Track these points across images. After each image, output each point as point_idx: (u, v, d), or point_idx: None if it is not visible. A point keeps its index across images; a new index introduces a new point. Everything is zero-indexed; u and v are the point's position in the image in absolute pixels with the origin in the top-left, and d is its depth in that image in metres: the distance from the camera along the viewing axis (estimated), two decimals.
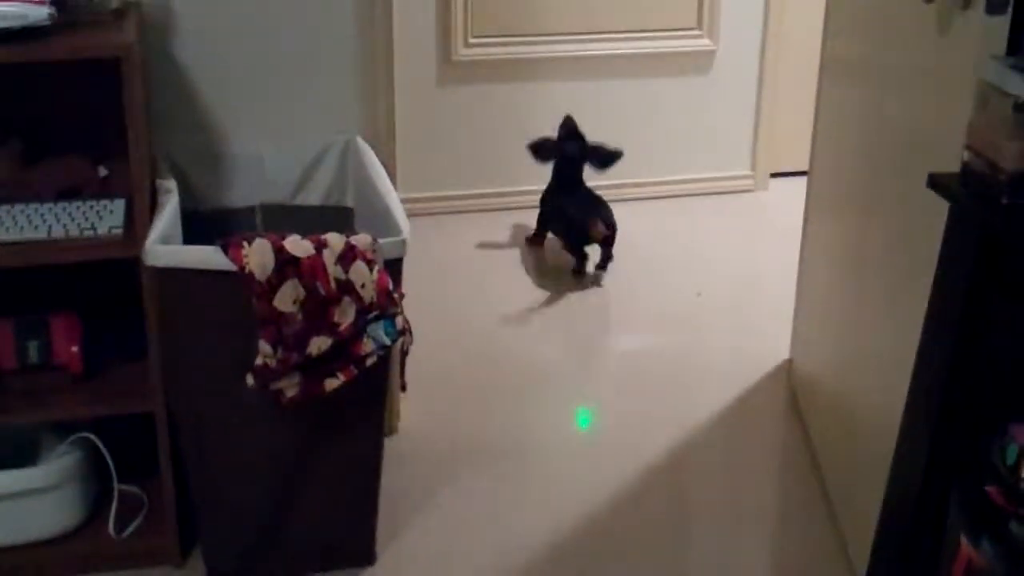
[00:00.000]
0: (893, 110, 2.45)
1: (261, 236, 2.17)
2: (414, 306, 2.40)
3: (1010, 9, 1.89)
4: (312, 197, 2.76)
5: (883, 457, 2.02)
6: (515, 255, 4.17)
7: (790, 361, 3.37)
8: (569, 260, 3.99)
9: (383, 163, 2.66)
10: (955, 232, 1.80)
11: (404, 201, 2.46)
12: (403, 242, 2.27)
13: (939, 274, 1.83)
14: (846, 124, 2.87)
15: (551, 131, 4.18)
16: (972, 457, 1.74)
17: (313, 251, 2.16)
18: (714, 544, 2.69)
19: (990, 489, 1.65)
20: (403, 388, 2.52)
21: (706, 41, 4.56)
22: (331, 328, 2.17)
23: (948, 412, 1.81)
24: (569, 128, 4.12)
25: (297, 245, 2.16)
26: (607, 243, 3.94)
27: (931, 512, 1.87)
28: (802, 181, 3.32)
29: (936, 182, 1.82)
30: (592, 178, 4.17)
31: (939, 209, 1.83)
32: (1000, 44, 1.88)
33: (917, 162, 2.00)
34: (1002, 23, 1.88)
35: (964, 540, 1.67)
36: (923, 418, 1.87)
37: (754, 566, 2.62)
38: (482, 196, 4.51)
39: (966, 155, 1.79)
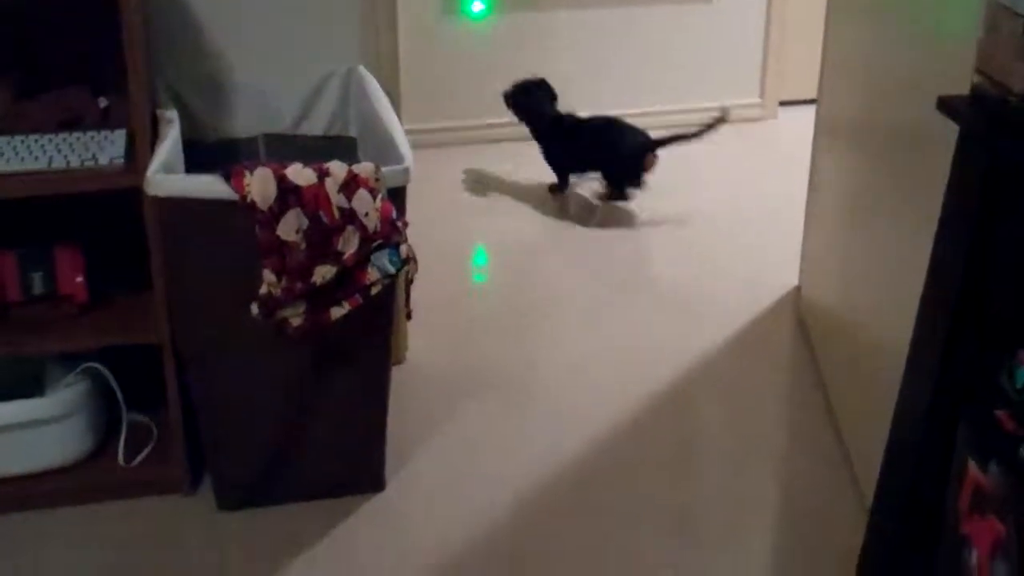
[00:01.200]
0: (901, 34, 2.41)
1: (263, 165, 2.15)
2: (420, 237, 2.39)
3: None
4: (315, 127, 2.73)
5: (890, 383, 2.02)
6: (520, 185, 4.15)
7: (798, 288, 3.36)
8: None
9: (386, 92, 2.63)
10: (964, 155, 1.77)
11: (409, 132, 2.43)
12: (406, 170, 2.25)
13: (948, 197, 1.81)
14: (854, 51, 2.84)
15: (551, 58, 4.13)
16: (981, 381, 1.73)
17: (315, 180, 2.14)
18: (722, 469, 2.70)
19: (999, 413, 1.64)
20: (408, 316, 2.51)
21: None
22: (335, 257, 2.15)
23: (957, 335, 1.80)
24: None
25: (299, 174, 2.14)
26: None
27: (939, 436, 1.87)
28: (812, 109, 3.29)
29: (945, 105, 1.79)
30: (593, 108, 4.13)
31: (948, 134, 1.81)
32: None
33: (926, 86, 1.97)
34: None
35: (972, 464, 1.67)
36: (932, 341, 1.86)
37: (762, 491, 2.62)
38: (488, 127, 4.47)
39: (976, 78, 1.77)
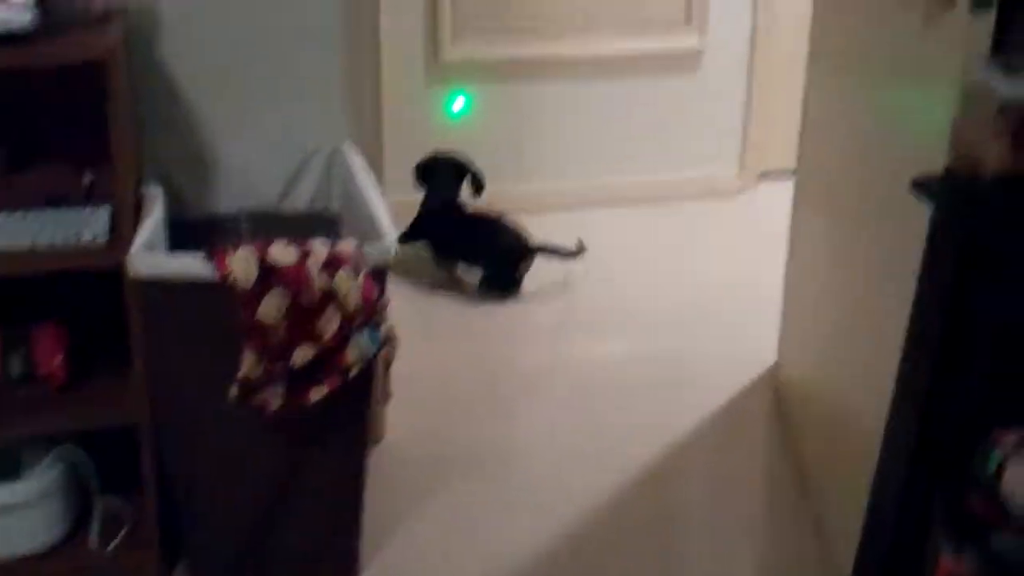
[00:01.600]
0: (879, 111, 2.44)
1: (245, 244, 2.15)
2: (403, 315, 2.39)
3: (995, 8, 1.88)
4: (298, 203, 2.74)
5: (868, 462, 2.01)
6: None
7: (777, 364, 3.36)
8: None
9: (370, 168, 2.65)
10: (938, 235, 1.78)
11: (394, 204, 2.44)
12: (388, 249, 2.25)
13: (922, 276, 1.82)
14: (833, 125, 2.87)
15: (535, 129, 4.16)
16: (955, 464, 1.73)
17: (297, 259, 2.14)
18: (699, 551, 2.68)
19: (973, 499, 1.64)
20: (387, 398, 2.51)
21: (694, 39, 4.55)
22: (315, 337, 2.15)
23: (931, 418, 1.80)
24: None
25: (281, 253, 2.14)
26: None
27: (914, 521, 1.86)
28: (791, 182, 3.31)
29: (919, 184, 1.81)
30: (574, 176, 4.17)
31: (924, 211, 1.82)
32: (985, 43, 1.88)
33: (902, 163, 1.99)
34: (987, 22, 1.88)
35: (945, 549, 1.66)
36: (906, 424, 1.86)
37: (740, 569, 2.61)
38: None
39: (950, 157, 1.78)
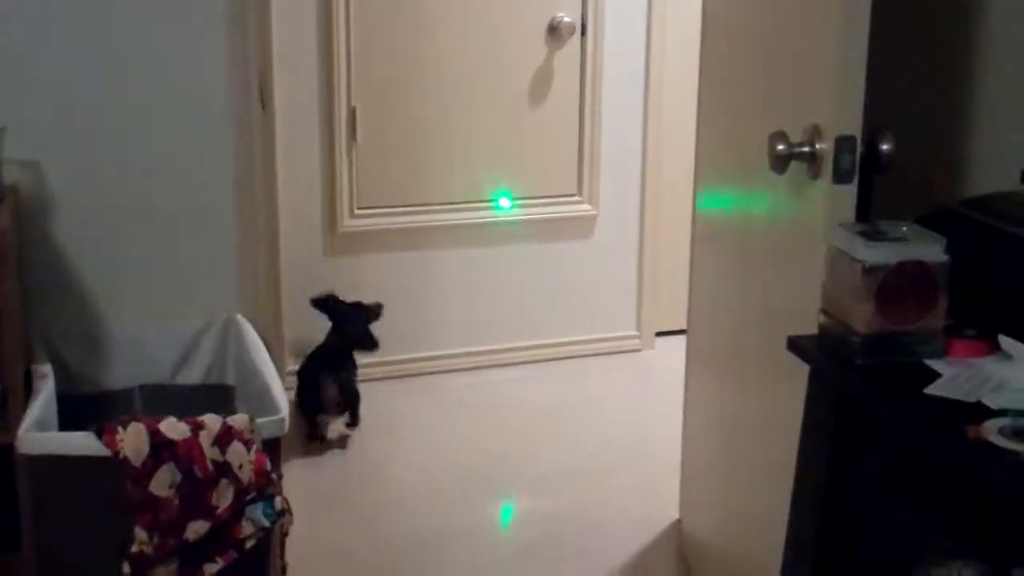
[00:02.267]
0: (757, 273, 2.53)
1: (136, 420, 2.15)
2: (300, 485, 2.38)
3: (856, 178, 2.00)
4: (193, 375, 2.74)
5: None
6: (403, 423, 4.16)
7: (679, 521, 3.38)
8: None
9: (264, 339, 2.67)
10: (815, 392, 1.86)
11: (291, 374, 2.45)
12: (282, 420, 2.26)
13: (803, 433, 1.89)
14: (717, 285, 2.96)
15: (437, 297, 4.24)
16: None
17: (189, 433, 2.14)
18: None
19: None
20: (283, 570, 2.48)
21: (587, 207, 4.68)
22: (209, 511, 2.14)
23: (822, 570, 1.84)
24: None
25: (173, 428, 2.14)
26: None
27: None
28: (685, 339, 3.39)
29: (795, 345, 1.88)
30: (480, 343, 4.23)
31: (804, 367, 1.90)
32: (848, 210, 1.99)
33: (781, 322, 2.07)
34: (849, 191, 1.99)
35: None
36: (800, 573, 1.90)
37: None
38: (372, 365, 4.51)
39: (822, 318, 1.87)
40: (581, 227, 4.72)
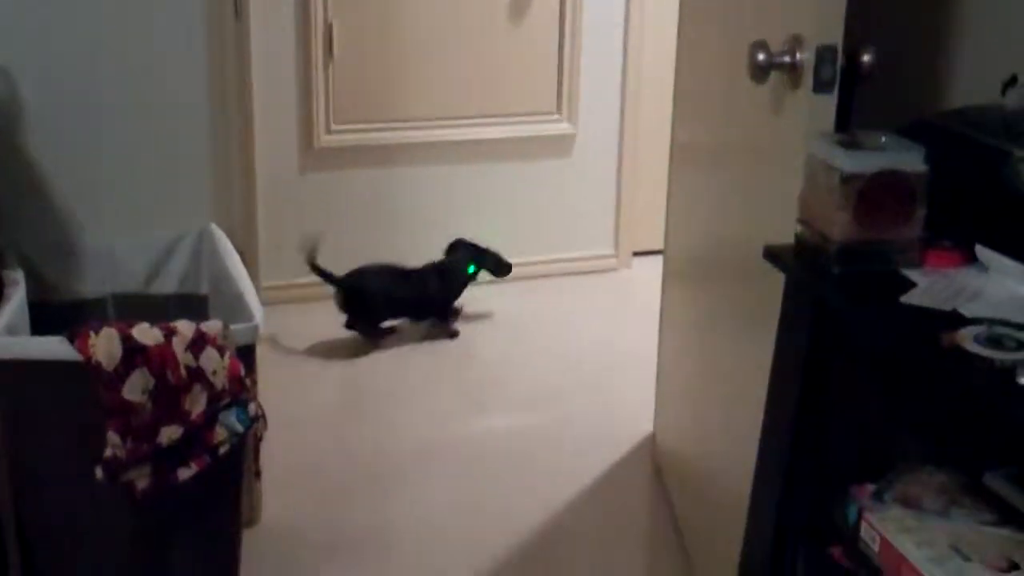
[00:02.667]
0: (735, 188, 2.53)
1: (108, 325, 2.13)
2: (275, 395, 2.38)
3: (836, 89, 1.98)
4: (166, 286, 2.73)
5: (740, 525, 2.06)
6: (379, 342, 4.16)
7: (653, 435, 3.41)
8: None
9: (238, 250, 2.65)
10: (791, 301, 1.86)
11: (267, 288, 2.45)
12: (255, 328, 2.25)
13: (778, 343, 1.89)
14: (695, 203, 2.95)
15: (414, 214, 4.24)
16: (817, 519, 1.79)
17: (162, 339, 2.13)
18: None
19: (833, 549, 1.69)
20: (257, 475, 2.49)
21: (566, 125, 4.66)
22: (182, 417, 2.13)
23: (793, 476, 1.86)
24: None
25: (145, 333, 2.13)
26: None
27: (784, 573, 1.91)
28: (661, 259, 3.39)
29: (771, 253, 1.88)
30: None
31: (779, 281, 1.89)
32: (828, 120, 1.97)
33: (757, 237, 2.06)
34: (829, 100, 1.97)
35: None
36: (770, 483, 1.91)
37: None
38: None
39: (798, 227, 1.86)
40: (560, 146, 4.70)
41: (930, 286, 1.71)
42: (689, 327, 3.03)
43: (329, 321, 4.22)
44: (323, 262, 4.12)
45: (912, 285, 1.71)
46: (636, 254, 4.93)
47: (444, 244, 4.31)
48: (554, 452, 3.41)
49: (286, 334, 4.03)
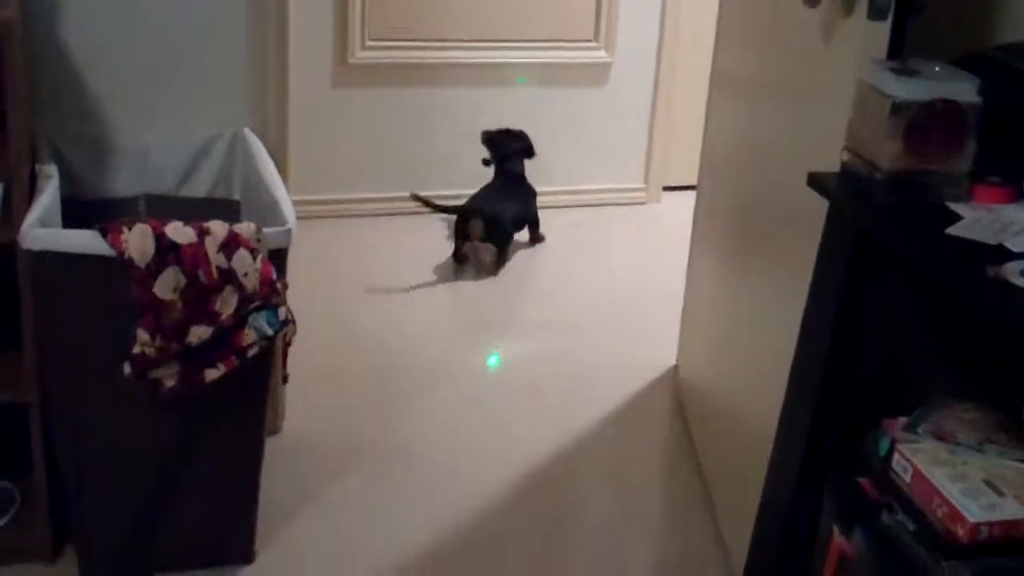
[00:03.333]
0: (778, 118, 2.49)
1: (141, 221, 2.12)
2: (304, 308, 2.37)
3: (891, 15, 1.94)
4: (198, 189, 2.71)
5: (762, 460, 2.05)
6: (407, 258, 4.15)
7: (676, 367, 3.41)
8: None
9: (272, 155, 2.63)
10: (833, 230, 1.83)
11: (297, 203, 2.42)
12: (288, 231, 2.24)
13: (817, 271, 1.87)
14: (733, 136, 2.92)
15: (446, 136, 4.21)
16: (846, 452, 1.78)
17: (195, 238, 2.12)
18: (597, 546, 2.70)
19: (862, 481, 1.68)
20: (285, 380, 2.49)
21: (602, 53, 4.60)
22: (212, 317, 2.13)
23: (824, 407, 1.84)
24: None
25: (179, 231, 2.12)
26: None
27: (807, 507, 1.91)
28: (693, 195, 3.36)
29: (815, 181, 1.85)
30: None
31: (818, 215, 1.87)
32: (880, 49, 1.93)
33: (798, 168, 2.03)
34: (883, 28, 1.93)
35: (836, 532, 1.70)
36: (800, 413, 1.90)
37: (636, 565, 2.63)
38: (376, 200, 4.48)
39: (845, 155, 1.83)
40: (595, 74, 4.65)
41: (977, 220, 1.68)
42: (719, 262, 3.00)
43: (358, 239, 4.23)
44: (351, 177, 4.12)
45: (958, 218, 1.68)
46: (666, 189, 4.89)
47: (471, 168, 4.28)
48: (576, 379, 3.41)
49: (314, 250, 4.02)
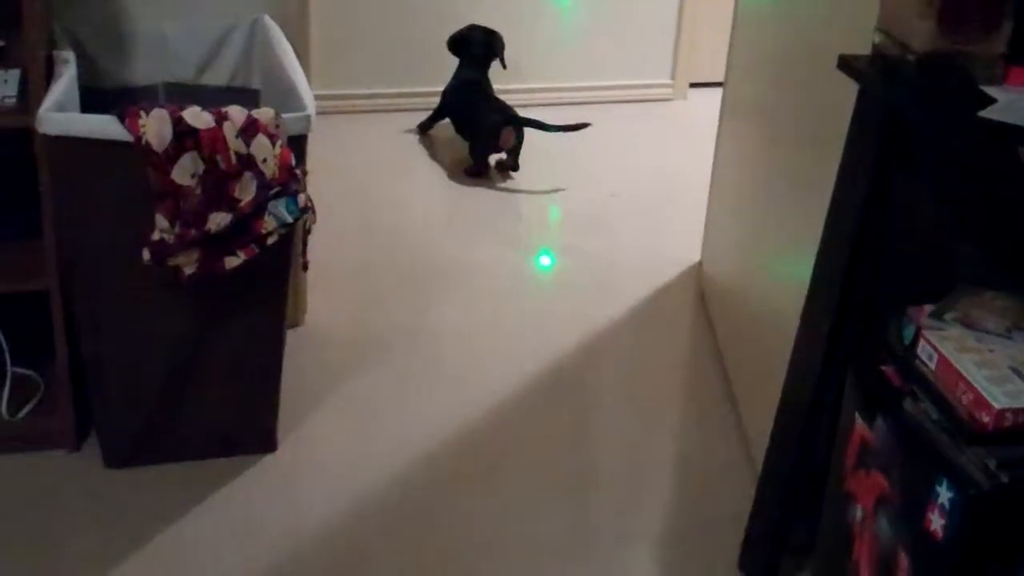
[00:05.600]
0: (809, 7, 2.42)
1: (159, 106, 2.09)
2: (325, 201, 2.35)
3: None
4: (217, 77, 2.68)
5: (784, 353, 2.03)
6: (428, 155, 4.12)
7: (700, 263, 3.38)
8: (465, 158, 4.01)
9: (292, 43, 2.58)
10: (863, 113, 1.79)
11: (318, 98, 2.38)
12: (308, 118, 2.21)
13: (845, 155, 1.83)
14: (762, 30, 2.86)
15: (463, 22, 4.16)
16: (870, 341, 1.75)
17: (213, 123, 2.09)
18: (619, 436, 2.70)
19: (886, 369, 1.66)
20: (305, 267, 2.47)
21: None
22: (231, 204, 2.11)
23: (849, 293, 1.82)
24: (477, 27, 4.13)
25: (197, 117, 2.09)
26: (514, 151, 3.94)
27: (829, 396, 1.89)
28: (720, 92, 3.30)
29: (846, 63, 1.80)
30: (511, 81, 4.13)
31: (846, 109, 1.82)
32: None
33: (828, 60, 1.98)
34: None
35: (858, 419, 1.68)
36: (825, 301, 1.88)
37: (658, 458, 2.63)
38: (396, 96, 4.43)
39: (877, 37, 1.78)
40: None
41: (1011, 103, 1.63)
42: (744, 159, 2.96)
43: (375, 136, 4.19)
44: (374, 71, 4.06)
45: (992, 101, 1.63)
46: (693, 86, 4.82)
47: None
48: (600, 274, 3.40)
49: (336, 143, 3.99)
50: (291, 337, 2.52)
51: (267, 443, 2.49)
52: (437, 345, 2.99)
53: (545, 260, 3.47)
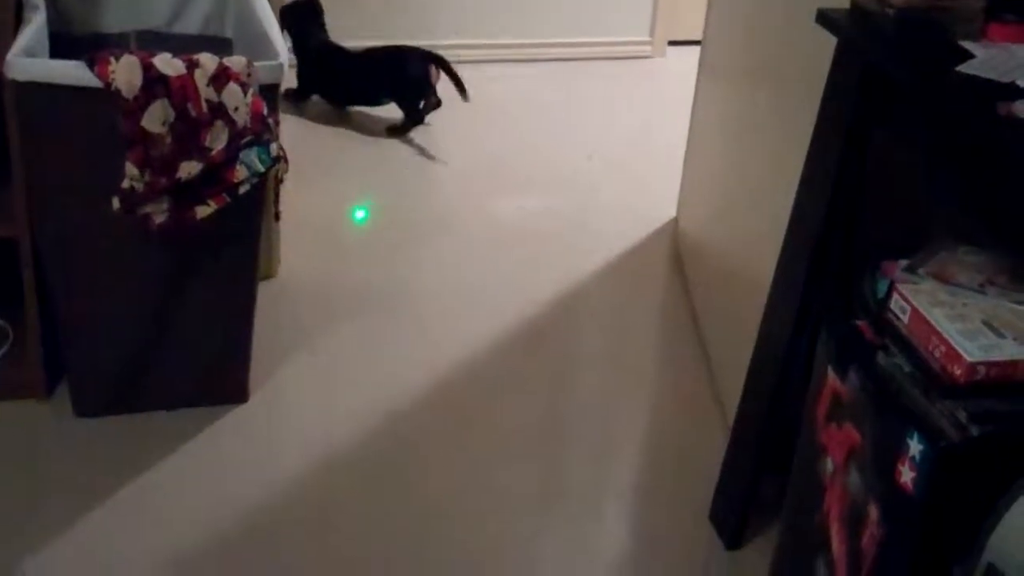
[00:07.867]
0: None
1: (130, 53, 2.06)
2: (293, 156, 2.32)
3: None
4: (190, 26, 2.63)
5: (758, 308, 2.03)
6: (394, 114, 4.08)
7: (675, 220, 3.38)
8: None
9: None
10: (840, 68, 1.78)
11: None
12: (280, 66, 2.18)
13: (822, 111, 1.82)
14: None
15: None
16: (844, 296, 1.75)
17: (184, 70, 2.06)
18: (592, 391, 2.71)
19: (859, 323, 1.66)
20: (277, 217, 2.45)
21: None
22: (202, 152, 2.08)
23: (824, 248, 1.81)
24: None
25: (167, 63, 2.06)
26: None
27: (802, 349, 1.89)
28: (698, 50, 3.29)
29: (824, 17, 1.79)
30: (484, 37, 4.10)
31: (823, 63, 1.81)
32: None
33: (805, 13, 1.97)
34: None
35: (831, 373, 1.68)
36: (800, 254, 1.88)
37: (630, 414, 2.64)
38: None
39: None
40: None
41: (989, 58, 1.63)
42: (722, 118, 2.95)
43: None
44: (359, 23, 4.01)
45: (971, 56, 1.63)
46: (672, 44, 4.79)
47: (468, 12, 4.13)
48: (576, 231, 3.39)
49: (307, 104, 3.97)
50: (264, 288, 2.50)
51: (239, 394, 2.48)
52: (411, 298, 2.98)
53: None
